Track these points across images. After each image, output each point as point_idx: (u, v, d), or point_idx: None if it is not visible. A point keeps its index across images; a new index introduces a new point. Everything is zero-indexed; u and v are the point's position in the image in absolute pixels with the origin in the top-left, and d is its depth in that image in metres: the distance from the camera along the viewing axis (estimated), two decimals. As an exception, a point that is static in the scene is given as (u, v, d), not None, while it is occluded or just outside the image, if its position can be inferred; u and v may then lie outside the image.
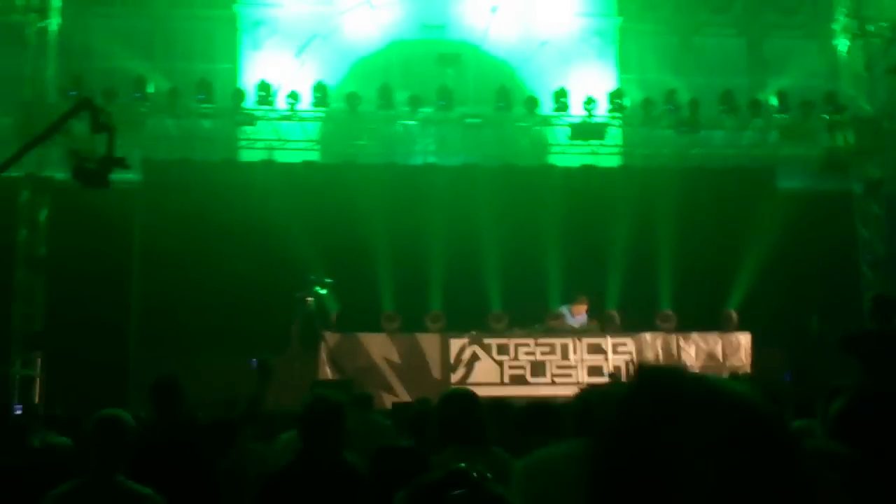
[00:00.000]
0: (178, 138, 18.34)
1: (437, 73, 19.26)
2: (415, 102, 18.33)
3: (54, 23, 17.86)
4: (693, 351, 15.90)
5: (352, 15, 20.17)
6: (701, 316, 16.57)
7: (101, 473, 4.61)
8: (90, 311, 15.94)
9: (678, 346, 15.78)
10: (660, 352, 15.82)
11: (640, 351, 15.77)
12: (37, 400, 15.60)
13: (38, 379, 16.31)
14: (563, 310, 16.26)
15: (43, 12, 17.75)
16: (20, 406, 11.62)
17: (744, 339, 16.09)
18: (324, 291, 15.53)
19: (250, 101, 18.01)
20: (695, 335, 16.08)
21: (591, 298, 16.32)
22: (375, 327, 16.10)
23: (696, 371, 14.81)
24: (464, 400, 5.24)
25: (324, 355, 15.30)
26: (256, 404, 6.38)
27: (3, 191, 15.28)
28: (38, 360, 16.44)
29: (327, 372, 15.19)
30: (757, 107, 18.62)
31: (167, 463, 5.41)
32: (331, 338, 15.54)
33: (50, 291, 16.76)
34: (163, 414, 6.04)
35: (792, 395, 8.90)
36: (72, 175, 7.58)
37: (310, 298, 15.29)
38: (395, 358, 15.48)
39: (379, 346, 15.53)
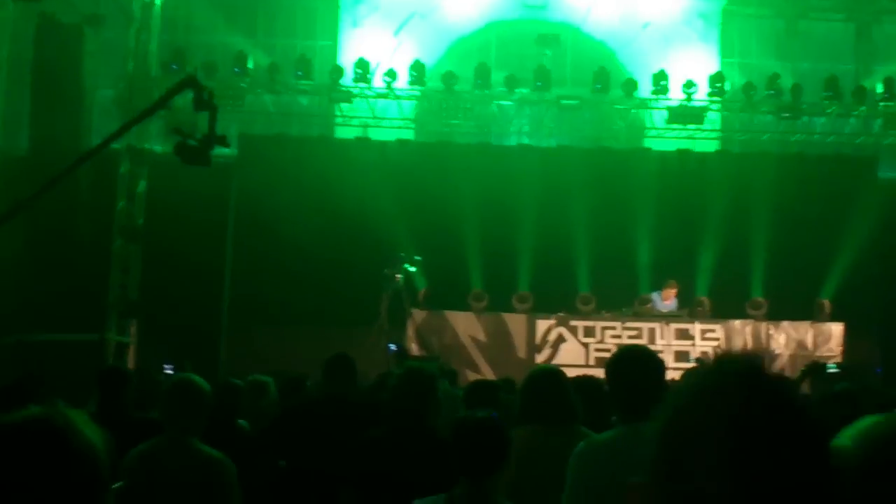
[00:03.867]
0: (275, 114, 18.64)
1: (535, 53, 19.15)
2: (511, 83, 18.25)
3: (159, -3, 18.23)
4: (783, 339, 15.58)
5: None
6: (793, 305, 16.24)
7: (176, 435, 4.73)
8: (185, 282, 16.34)
9: (767, 334, 15.46)
10: (749, 339, 15.53)
11: (728, 338, 15.52)
12: (130, 366, 16.05)
13: (131, 346, 16.79)
14: (653, 295, 16.08)
15: (149, -14, 18.13)
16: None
17: (836, 330, 15.71)
18: (413, 269, 15.66)
19: (348, 79, 18.17)
20: (785, 324, 15.76)
21: (681, 284, 16.10)
22: (463, 306, 16.17)
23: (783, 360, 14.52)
24: (550, 377, 5.21)
25: (411, 332, 15.46)
26: None
27: (104, 162, 15.70)
28: (133, 328, 16.90)
29: (414, 349, 15.33)
30: (862, 94, 18.01)
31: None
32: (418, 315, 15.68)
33: (146, 261, 17.19)
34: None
35: (881, 389, 8.65)
36: (174, 151, 7.71)
37: (399, 275, 15.43)
38: (481, 337, 15.54)
39: (465, 325, 15.61)
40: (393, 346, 13.54)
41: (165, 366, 12.10)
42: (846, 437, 1.87)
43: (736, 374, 1.50)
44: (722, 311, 16.19)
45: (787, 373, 14.50)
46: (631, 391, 3.91)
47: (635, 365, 4.01)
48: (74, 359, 13.42)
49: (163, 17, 18.41)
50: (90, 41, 17.29)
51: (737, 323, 15.77)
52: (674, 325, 15.52)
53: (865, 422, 1.95)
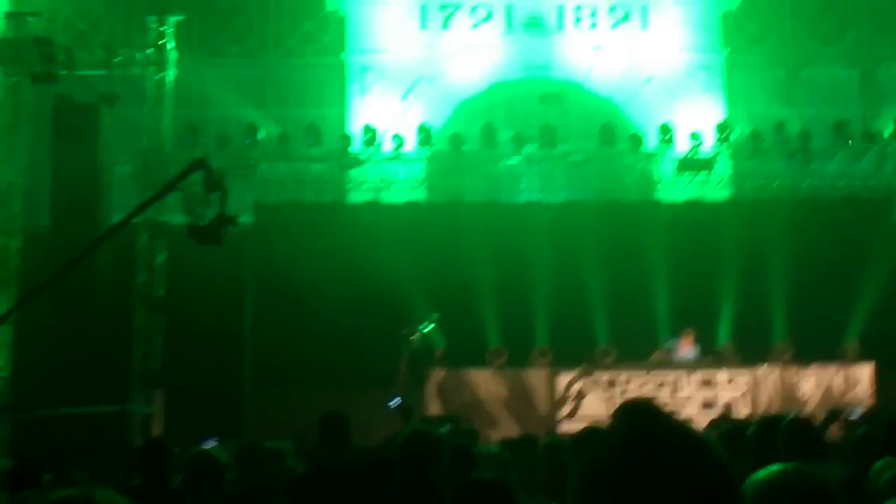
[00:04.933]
0: (289, 182, 18.86)
1: (540, 111, 19.40)
2: (518, 141, 18.45)
3: (171, 74, 18.66)
4: (811, 384, 15.42)
5: (456, 58, 20.50)
6: (818, 348, 16.09)
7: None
8: (206, 350, 16.45)
9: (795, 379, 15.32)
10: (775, 385, 15.40)
11: (754, 384, 15.38)
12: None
13: (156, 416, 16.81)
14: (671, 344, 16.03)
15: (161, 65, 18.58)
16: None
17: (865, 371, 15.55)
18: (430, 328, 15.66)
19: (357, 145, 18.44)
20: (812, 367, 15.61)
21: (701, 332, 16.04)
22: (482, 363, 16.12)
23: (810, 404, 14.34)
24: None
25: (431, 391, 15.41)
26: None
27: (123, 236, 15.94)
28: (158, 399, 16.95)
29: (435, 408, 15.27)
30: (871, 137, 18.13)
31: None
32: (437, 374, 15.64)
33: (167, 331, 17.32)
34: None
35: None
36: (186, 233, 7.83)
37: (416, 335, 15.43)
38: (502, 393, 15.48)
39: (486, 382, 15.56)
40: (396, 401, 13.34)
41: (205, 440, 11.90)
42: (748, 486, 1.90)
43: (616, 436, 1.51)
44: (746, 357, 16.06)
45: (818, 418, 14.30)
46: None
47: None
48: (100, 431, 13.44)
49: (175, 93, 18.81)
50: (106, 118, 17.65)
51: (763, 369, 15.64)
52: (698, 374, 15.41)
53: (768, 470, 1.98)
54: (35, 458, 7.65)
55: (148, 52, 18.64)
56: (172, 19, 18.82)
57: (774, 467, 1.89)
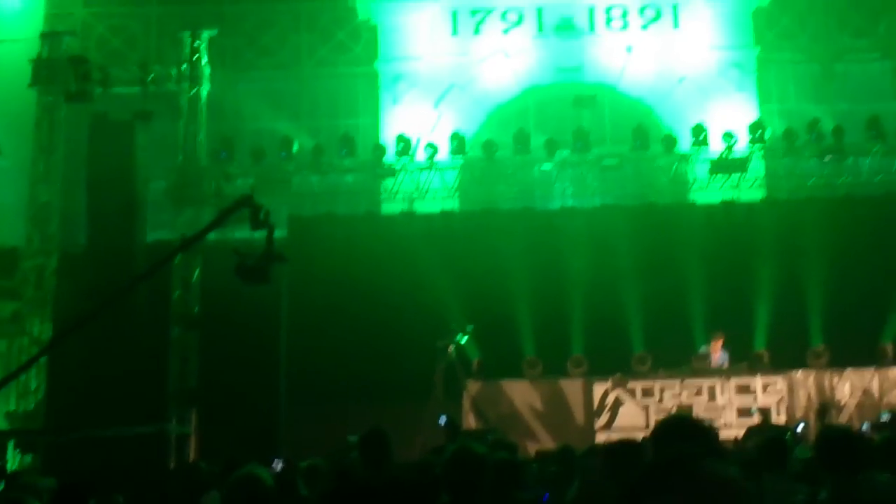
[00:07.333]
0: (323, 193, 18.94)
1: (573, 115, 19.34)
2: (551, 146, 18.44)
3: (205, 89, 18.80)
4: (847, 388, 15.29)
5: (488, 64, 20.51)
6: (855, 351, 15.92)
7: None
8: (242, 366, 16.50)
9: (831, 384, 15.20)
10: (812, 390, 15.29)
11: (791, 390, 15.29)
12: (192, 456, 16.17)
13: (193, 436, 16.90)
14: (704, 350, 15.95)
15: (195, 80, 18.71)
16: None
17: (903, 374, 15.44)
18: (465, 339, 15.72)
19: (390, 155, 18.49)
20: (849, 371, 15.47)
21: (737, 337, 15.95)
22: (517, 373, 16.13)
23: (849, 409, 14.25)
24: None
25: (467, 404, 15.47)
26: None
27: (159, 253, 16.07)
28: (193, 417, 17.05)
29: (471, 421, 15.33)
30: (906, 131, 17.91)
31: None
32: (473, 386, 15.69)
33: (203, 348, 17.38)
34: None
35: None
36: (235, 273, 7.73)
37: (452, 347, 15.49)
38: (538, 404, 15.50)
39: (521, 393, 15.58)
40: (444, 419, 13.54)
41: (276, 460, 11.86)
42: None
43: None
44: (782, 362, 15.94)
45: (855, 422, 14.22)
46: None
47: (681, 440, 3.71)
48: (137, 451, 13.61)
49: (209, 108, 18.97)
50: (141, 135, 17.80)
51: (799, 374, 15.54)
52: (734, 381, 15.34)
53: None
54: (76, 480, 7.78)
55: (182, 67, 18.79)
56: (205, 34, 18.96)
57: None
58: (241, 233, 8.03)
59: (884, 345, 16.20)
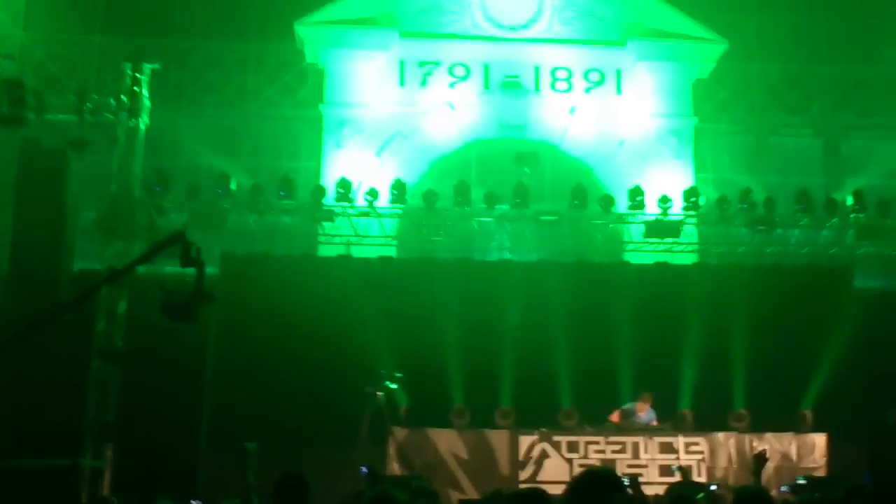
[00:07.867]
0: (258, 233, 18.73)
1: (514, 171, 19.57)
2: (491, 199, 18.57)
3: (143, 122, 18.53)
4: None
5: (433, 115, 20.71)
6: (775, 416, 16.23)
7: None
8: (165, 402, 16.09)
9: (751, 447, 15.41)
10: (732, 452, 15.51)
11: (712, 450, 15.49)
12: (105, 492, 15.70)
13: (107, 470, 16.40)
14: (629, 406, 16.09)
15: (134, 111, 18.38)
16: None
17: (819, 440, 15.74)
18: (394, 386, 15.62)
19: (330, 198, 18.43)
20: (769, 435, 15.76)
21: (663, 397, 16.11)
22: (445, 422, 16.04)
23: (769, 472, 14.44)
24: (533, 502, 5.07)
25: (392, 450, 15.33)
26: None
27: (85, 283, 15.71)
28: (109, 452, 16.56)
29: (395, 467, 15.18)
30: (833, 206, 18.42)
31: None
32: (400, 432, 15.56)
33: (125, 382, 16.90)
34: None
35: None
36: (160, 310, 7.58)
37: (380, 393, 15.36)
38: (464, 454, 15.42)
39: (448, 442, 15.49)
40: (364, 469, 13.39)
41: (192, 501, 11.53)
42: None
43: None
44: (705, 423, 16.17)
45: (773, 485, 14.45)
46: None
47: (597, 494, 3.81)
48: (50, 483, 13.19)
49: (147, 140, 18.60)
50: (74, 163, 17.42)
51: (720, 435, 15.77)
52: (657, 439, 15.47)
53: None
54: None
55: (122, 98, 18.49)
56: (147, 67, 18.71)
57: None
58: (172, 267, 7.88)
59: (803, 411, 16.54)
